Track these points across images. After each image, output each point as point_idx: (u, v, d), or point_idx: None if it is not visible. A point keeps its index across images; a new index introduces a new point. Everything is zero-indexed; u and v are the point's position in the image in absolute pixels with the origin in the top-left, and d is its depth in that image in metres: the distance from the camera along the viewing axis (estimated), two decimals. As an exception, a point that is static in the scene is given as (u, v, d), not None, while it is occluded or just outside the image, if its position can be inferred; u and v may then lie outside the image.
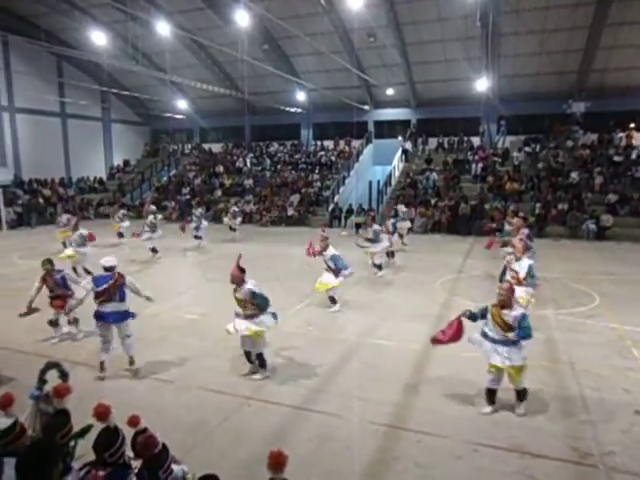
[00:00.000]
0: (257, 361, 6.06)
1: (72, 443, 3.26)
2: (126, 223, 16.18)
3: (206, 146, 30.70)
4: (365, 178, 24.81)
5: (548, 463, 4.31)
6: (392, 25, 20.45)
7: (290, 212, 22.30)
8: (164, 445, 2.86)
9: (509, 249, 9.22)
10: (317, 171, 25.54)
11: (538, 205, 18.90)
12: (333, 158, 26.25)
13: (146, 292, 6.45)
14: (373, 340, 7.41)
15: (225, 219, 18.01)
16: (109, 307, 6.05)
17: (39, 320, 7.27)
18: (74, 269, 10.89)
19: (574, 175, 20.04)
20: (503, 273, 7.66)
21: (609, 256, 14.42)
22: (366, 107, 25.73)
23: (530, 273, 7.36)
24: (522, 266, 7.47)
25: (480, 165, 22.32)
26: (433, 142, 25.58)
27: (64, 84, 25.43)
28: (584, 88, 21.80)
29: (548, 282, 10.34)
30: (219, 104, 28.19)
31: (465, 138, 24.70)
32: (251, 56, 19.16)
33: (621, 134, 21.43)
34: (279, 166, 26.91)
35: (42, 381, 4.00)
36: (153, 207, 16.52)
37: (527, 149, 22.68)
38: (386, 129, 27.13)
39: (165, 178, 28.88)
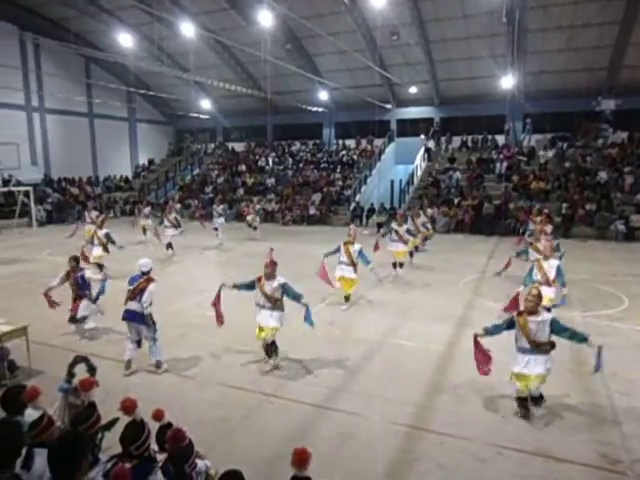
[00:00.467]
0: (269, 348, 6.21)
1: (99, 435, 3.34)
2: (150, 221, 16.46)
3: (229, 145, 31.01)
4: (387, 177, 24.66)
5: (574, 468, 4.22)
6: (416, 23, 20.27)
7: (312, 211, 22.34)
8: (190, 440, 2.90)
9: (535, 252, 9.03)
10: (339, 170, 25.52)
11: (565, 205, 18.47)
12: (355, 157, 26.18)
13: (150, 311, 6.27)
14: (395, 340, 7.37)
15: (249, 217, 18.11)
16: (130, 305, 6.20)
17: (68, 315, 7.48)
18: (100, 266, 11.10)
19: (603, 174, 19.52)
20: (529, 274, 7.53)
21: (638, 257, 14.01)
22: (388, 106, 25.57)
23: (559, 273, 7.23)
24: (551, 265, 7.33)
25: (505, 164, 21.93)
26: (457, 141, 25.24)
27: (92, 85, 26.01)
28: (614, 85, 21.20)
29: (575, 284, 10.09)
30: (242, 104, 28.43)
31: (489, 136, 24.30)
32: (274, 56, 19.26)
33: (653, 132, 20.78)
34: (301, 165, 26.98)
35: (71, 375, 4.12)
36: (178, 205, 16.81)
37: (554, 148, 22.19)
38: (409, 128, 26.90)
39: (189, 177, 29.28)
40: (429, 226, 14.47)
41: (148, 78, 28.04)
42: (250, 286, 6.33)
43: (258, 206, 19.01)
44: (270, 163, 27.65)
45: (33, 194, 20.50)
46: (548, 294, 7.02)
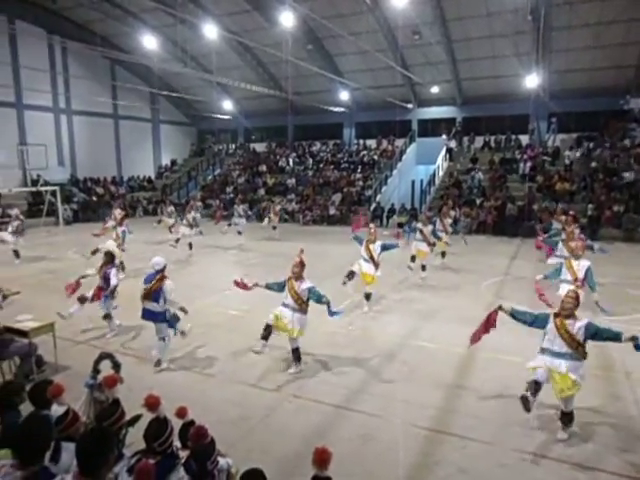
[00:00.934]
0: (292, 355, 6.22)
1: (123, 431, 3.40)
2: (172, 220, 16.66)
3: (250, 146, 31.23)
4: (408, 177, 24.48)
5: (600, 476, 4.12)
6: (438, 22, 20.08)
7: (332, 211, 22.33)
8: (212, 437, 2.93)
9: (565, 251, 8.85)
10: (359, 170, 25.46)
11: (591, 206, 18.04)
12: (376, 157, 26.08)
13: (181, 304, 6.43)
14: (416, 342, 7.31)
15: (270, 216, 18.17)
16: (146, 305, 6.30)
17: (94, 312, 7.64)
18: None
19: (631, 175, 18.99)
20: (556, 271, 7.40)
21: (669, 261, 13.60)
22: (410, 105, 25.40)
23: (590, 275, 7.06)
24: (582, 265, 7.17)
25: (529, 164, 21.54)
26: (479, 141, 24.90)
27: (117, 87, 26.52)
28: (643, 83, 20.65)
29: (602, 287, 9.82)
30: (263, 104, 28.60)
31: (513, 136, 23.90)
32: (295, 56, 19.31)
33: (684, 131, 20.16)
34: (321, 165, 27.00)
35: (96, 371, 4.21)
36: (199, 203, 17.03)
37: (580, 148, 21.70)
38: (430, 127, 26.68)
39: (210, 177, 29.61)
40: (454, 226, 14.29)
41: (171, 80, 28.44)
42: (281, 286, 6.37)
43: (278, 207, 19.14)
44: (291, 163, 27.75)
45: (60, 194, 21.01)
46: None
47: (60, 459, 2.86)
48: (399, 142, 26.19)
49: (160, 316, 6.29)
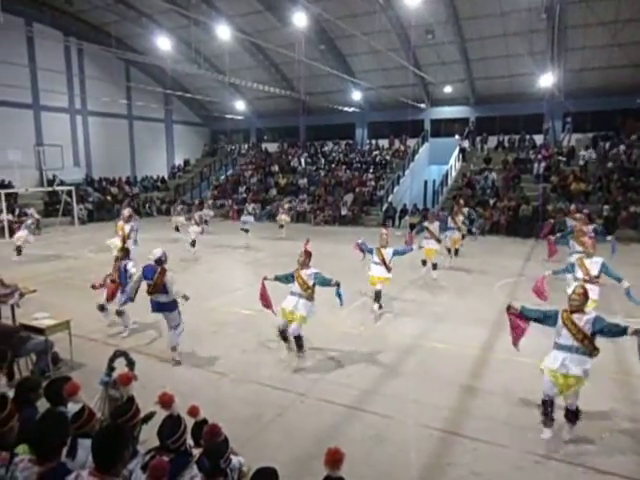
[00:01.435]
0: (295, 343, 6.42)
1: (137, 428, 3.44)
2: (182, 218, 16.77)
3: (262, 146, 31.34)
4: (420, 178, 24.38)
5: (616, 481, 4.06)
6: (451, 21, 19.95)
7: (344, 211, 22.31)
8: (225, 436, 2.95)
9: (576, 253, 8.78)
10: (371, 170, 25.39)
11: (606, 207, 17.79)
12: (388, 157, 25.99)
13: (183, 292, 6.52)
14: (428, 343, 7.27)
15: (279, 217, 18.26)
16: (156, 297, 6.39)
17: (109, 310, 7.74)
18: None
19: (648, 175, 18.71)
20: (567, 269, 7.36)
21: (687, 262, 13.32)
22: (423, 105, 25.27)
23: (605, 269, 6.98)
24: (594, 262, 7.10)
25: (543, 164, 21.29)
26: (492, 141, 24.69)
27: (131, 88, 26.80)
28: (661, 81, 20.30)
29: (617, 288, 9.71)
30: (275, 105, 28.69)
31: (527, 136, 23.66)
32: (308, 56, 19.34)
33: (703, 131, 19.77)
34: (333, 165, 26.99)
35: (111, 368, 4.26)
36: (210, 202, 17.14)
37: (596, 147, 21.40)
38: (443, 127, 26.53)
39: (223, 177, 29.77)
40: (467, 223, 14.19)
41: (184, 80, 28.66)
42: (290, 278, 6.58)
43: (287, 205, 19.20)
44: (302, 163, 27.79)
45: (75, 193, 21.26)
46: (591, 295, 6.77)
47: (76, 455, 2.90)
48: (411, 142, 26.09)
49: (170, 306, 6.39)
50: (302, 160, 27.96)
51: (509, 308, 5.06)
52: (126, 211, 15.22)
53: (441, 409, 5.24)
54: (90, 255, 14.30)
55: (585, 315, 4.61)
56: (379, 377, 6.09)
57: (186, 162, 32.16)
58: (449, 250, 12.77)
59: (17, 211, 19.46)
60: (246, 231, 16.32)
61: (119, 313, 7.49)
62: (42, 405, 3.46)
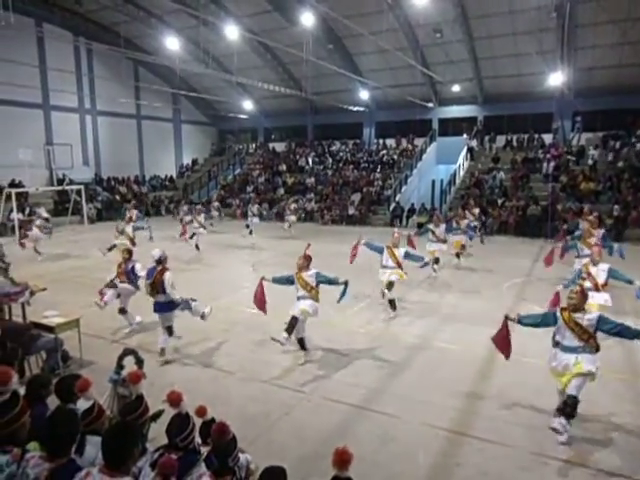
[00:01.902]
0: (299, 345, 6.50)
1: (146, 426, 3.46)
2: (188, 217, 16.81)
3: (270, 145, 31.39)
4: (428, 177, 24.29)
5: (626, 483, 4.02)
6: (459, 20, 19.85)
7: (351, 211, 22.29)
8: (233, 434, 2.96)
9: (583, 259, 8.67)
10: (379, 170, 25.35)
11: (617, 207, 17.62)
12: (395, 157, 25.93)
13: (178, 297, 6.49)
14: (436, 343, 7.26)
15: (289, 217, 18.28)
16: (157, 298, 6.47)
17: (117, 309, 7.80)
18: None
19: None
20: (575, 278, 7.25)
21: (699, 263, 13.17)
22: (430, 104, 25.17)
23: (614, 274, 6.91)
24: (601, 269, 7.03)
25: (552, 164, 21.13)
26: (501, 140, 24.53)
27: (140, 87, 26.95)
28: (673, 80, 20.06)
29: (627, 290, 9.62)
30: (283, 104, 28.71)
31: (536, 135, 23.49)
32: (315, 56, 19.34)
33: None
34: (341, 165, 26.97)
35: (120, 366, 4.29)
36: (216, 204, 17.23)
37: (606, 147, 21.19)
38: (451, 127, 26.40)
39: (230, 177, 29.85)
40: (475, 224, 14.14)
41: (193, 80, 28.77)
42: (289, 280, 6.59)
43: (293, 206, 19.23)
44: (310, 163, 27.80)
45: (84, 193, 21.43)
46: (597, 301, 6.71)
47: (84, 452, 2.93)
48: (419, 141, 26.01)
49: (169, 306, 6.45)
50: (309, 159, 27.97)
51: (507, 318, 5.05)
52: (133, 212, 15.43)
53: (448, 409, 5.22)
54: (99, 254, 14.38)
55: (586, 314, 4.61)
56: (386, 377, 6.08)
57: (194, 161, 32.30)
58: (458, 255, 12.65)
59: (27, 210, 19.64)
60: (250, 232, 16.31)
61: (121, 311, 7.62)
62: (52, 402, 3.50)
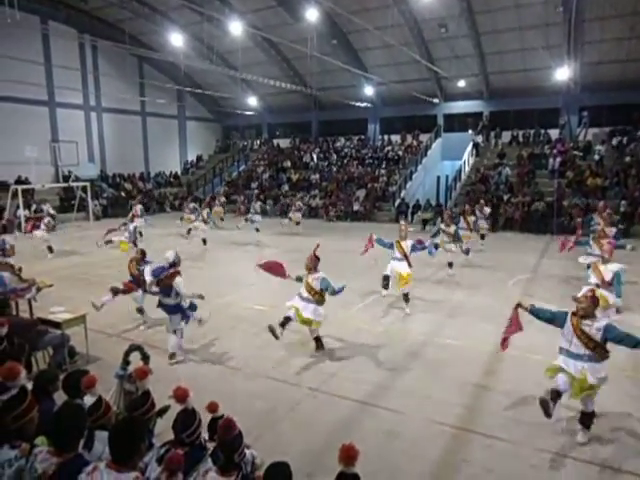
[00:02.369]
0: (315, 343, 6.64)
1: (152, 422, 3.48)
2: (193, 215, 16.85)
3: (274, 142, 31.37)
4: (433, 173, 24.20)
5: (632, 480, 4.01)
6: (465, 14, 19.72)
7: (356, 207, 22.26)
8: (240, 430, 2.97)
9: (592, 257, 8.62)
10: (384, 166, 25.28)
11: (624, 202, 17.49)
12: (400, 153, 25.84)
13: (190, 293, 6.44)
14: (441, 339, 7.24)
15: (291, 214, 18.34)
16: (163, 300, 6.44)
17: (124, 306, 7.83)
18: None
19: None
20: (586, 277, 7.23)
21: None
22: (435, 100, 25.05)
23: (617, 278, 6.84)
24: (609, 269, 6.98)
25: (558, 159, 20.97)
26: (506, 135, 24.37)
27: (144, 84, 26.99)
28: (681, 74, 19.84)
29: (633, 287, 9.57)
30: (287, 100, 28.66)
31: (542, 131, 23.33)
32: (320, 51, 19.27)
33: None
34: (345, 161, 26.92)
35: (126, 362, 4.32)
36: (223, 199, 17.33)
37: (613, 142, 21.01)
38: (456, 122, 26.25)
39: (235, 173, 29.87)
40: (482, 223, 14.07)
41: (197, 77, 28.78)
42: (299, 279, 6.66)
43: (298, 203, 19.29)
44: (315, 159, 27.75)
45: (90, 189, 21.51)
46: (604, 296, 6.68)
47: (93, 447, 2.95)
48: (424, 137, 25.91)
49: (173, 308, 6.40)
50: (314, 156, 27.92)
51: (519, 306, 4.98)
52: (138, 208, 15.51)
53: (454, 405, 5.21)
54: (105, 250, 14.44)
55: (595, 322, 4.46)
56: (392, 373, 6.08)
57: (199, 158, 32.33)
58: (467, 251, 12.58)
59: (33, 207, 19.74)
60: (256, 229, 16.35)
61: (139, 310, 7.69)
62: (59, 398, 3.52)
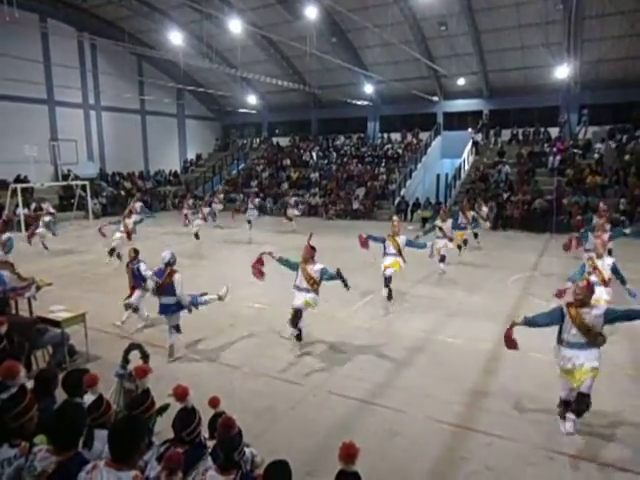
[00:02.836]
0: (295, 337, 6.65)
1: (152, 420, 3.48)
2: (191, 212, 16.84)
3: (274, 140, 31.34)
4: (433, 171, 24.21)
5: (633, 478, 4.00)
6: (465, 12, 19.68)
7: (356, 205, 22.26)
8: (239, 428, 2.97)
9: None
10: (383, 164, 25.25)
11: (623, 201, 17.49)
12: (400, 151, 25.82)
13: (188, 297, 6.53)
14: (440, 337, 7.24)
15: (290, 211, 18.34)
16: (162, 300, 6.45)
17: (123, 305, 7.82)
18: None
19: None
20: (580, 271, 7.20)
21: None
22: (435, 98, 25.03)
23: (616, 270, 6.85)
24: (606, 263, 6.98)
25: (558, 157, 20.95)
26: (506, 134, 24.34)
27: (144, 83, 26.95)
28: (681, 72, 19.82)
29: (635, 283, 9.56)
30: (287, 98, 28.64)
31: (542, 129, 23.30)
32: (319, 50, 19.25)
33: None
34: (345, 159, 26.90)
35: (126, 361, 4.31)
36: (221, 195, 17.37)
37: (612, 140, 20.99)
38: (456, 121, 26.22)
39: (235, 171, 29.84)
40: (481, 222, 14.09)
41: (196, 75, 28.72)
42: (293, 266, 6.70)
43: (293, 199, 19.30)
44: (314, 157, 27.72)
45: (89, 188, 21.49)
46: (602, 296, 6.66)
47: (93, 446, 2.95)
48: (424, 135, 25.88)
49: (174, 307, 6.43)
50: (314, 154, 27.89)
51: (514, 325, 4.95)
52: (137, 205, 15.50)
53: (454, 404, 5.22)
54: (104, 249, 14.43)
55: (593, 309, 4.53)
56: (391, 371, 6.08)
57: (198, 156, 32.30)
58: (459, 247, 12.60)
59: (33, 205, 19.72)
60: (249, 222, 16.26)
61: (135, 310, 7.64)
62: (59, 397, 3.52)
